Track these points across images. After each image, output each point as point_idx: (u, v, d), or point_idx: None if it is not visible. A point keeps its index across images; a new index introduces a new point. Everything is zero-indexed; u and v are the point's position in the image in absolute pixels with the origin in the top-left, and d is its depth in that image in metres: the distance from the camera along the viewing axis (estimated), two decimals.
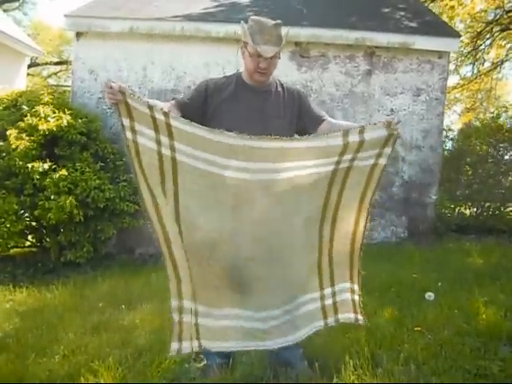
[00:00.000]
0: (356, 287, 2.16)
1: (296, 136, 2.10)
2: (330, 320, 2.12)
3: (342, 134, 1.89)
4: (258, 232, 1.91)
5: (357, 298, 2.15)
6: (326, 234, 2.05)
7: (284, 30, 2.04)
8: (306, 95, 2.30)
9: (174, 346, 2.00)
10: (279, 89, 2.17)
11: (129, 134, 1.76)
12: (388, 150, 1.97)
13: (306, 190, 1.92)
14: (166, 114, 1.75)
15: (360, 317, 2.15)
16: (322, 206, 2.00)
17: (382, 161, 1.99)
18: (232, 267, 1.94)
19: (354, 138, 1.88)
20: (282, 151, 1.86)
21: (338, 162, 1.92)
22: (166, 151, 1.78)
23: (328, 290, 2.11)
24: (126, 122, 1.75)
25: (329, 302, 2.11)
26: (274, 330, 2.00)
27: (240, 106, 2.07)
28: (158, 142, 1.77)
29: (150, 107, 1.74)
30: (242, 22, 2.07)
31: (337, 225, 2.05)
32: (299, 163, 1.87)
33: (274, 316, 2.00)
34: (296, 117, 2.18)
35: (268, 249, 1.93)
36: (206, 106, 2.07)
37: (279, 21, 2.03)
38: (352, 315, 2.13)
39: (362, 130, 1.90)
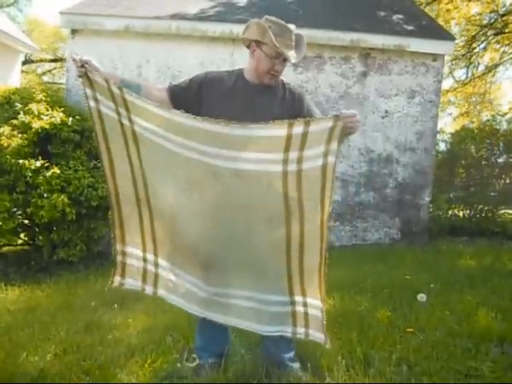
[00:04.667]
0: (323, 309, 2.01)
1: None
2: (300, 330, 2.03)
3: (288, 124, 1.74)
4: (215, 215, 1.95)
5: (324, 321, 2.01)
6: (294, 246, 1.94)
7: (303, 38, 2.09)
8: (306, 97, 2.20)
9: (116, 278, 2.16)
10: (280, 88, 2.12)
11: (92, 103, 1.91)
12: (334, 146, 1.73)
13: (255, 186, 1.85)
14: (120, 89, 1.85)
15: (328, 339, 2.02)
16: (285, 215, 1.88)
17: (331, 159, 1.75)
18: (194, 243, 2.02)
19: (297, 129, 1.73)
20: (226, 138, 1.79)
21: (285, 162, 1.77)
22: (125, 121, 1.91)
23: (299, 298, 2.01)
24: (89, 91, 1.89)
25: (300, 309, 2.01)
26: (235, 309, 2.05)
27: (234, 103, 2.03)
28: (118, 113, 1.90)
29: (107, 80, 1.85)
30: (254, 20, 2.03)
31: (305, 240, 1.92)
32: (241, 154, 1.80)
33: (236, 295, 2.04)
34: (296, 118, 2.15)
35: (227, 234, 1.98)
36: (198, 97, 2.07)
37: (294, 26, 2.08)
38: (322, 336, 2.00)
39: (307, 122, 1.74)
